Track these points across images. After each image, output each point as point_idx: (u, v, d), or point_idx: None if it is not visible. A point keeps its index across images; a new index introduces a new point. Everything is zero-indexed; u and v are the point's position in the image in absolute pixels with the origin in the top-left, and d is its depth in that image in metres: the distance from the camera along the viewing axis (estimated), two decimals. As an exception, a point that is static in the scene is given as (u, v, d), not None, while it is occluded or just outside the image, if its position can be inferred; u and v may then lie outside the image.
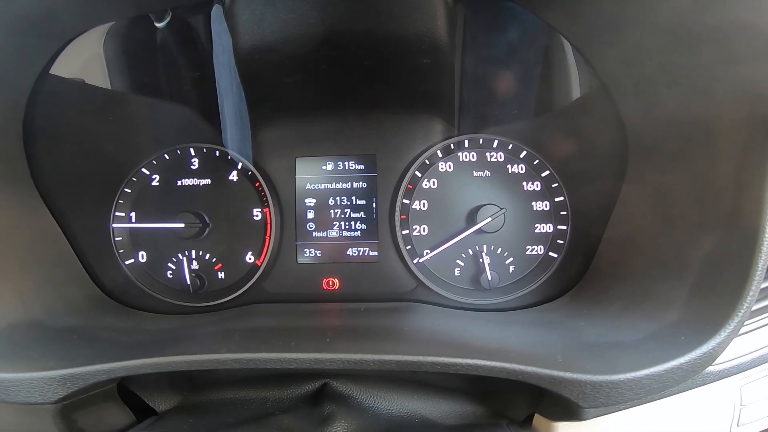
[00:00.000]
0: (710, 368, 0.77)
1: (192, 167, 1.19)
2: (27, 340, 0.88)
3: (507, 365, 0.70)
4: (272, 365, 0.77)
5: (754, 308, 0.81)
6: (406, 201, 1.15)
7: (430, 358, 0.72)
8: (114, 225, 1.17)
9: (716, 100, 0.76)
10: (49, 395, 0.76)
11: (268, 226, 1.16)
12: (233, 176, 1.18)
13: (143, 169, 1.18)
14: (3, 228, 0.96)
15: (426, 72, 1.01)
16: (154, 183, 1.19)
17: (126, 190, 1.18)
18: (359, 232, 1.17)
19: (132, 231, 1.19)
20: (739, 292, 0.67)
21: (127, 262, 1.17)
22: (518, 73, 1.11)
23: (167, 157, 1.19)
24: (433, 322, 1.03)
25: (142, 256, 1.18)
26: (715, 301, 0.70)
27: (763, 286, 0.80)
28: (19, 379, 0.76)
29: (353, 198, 1.17)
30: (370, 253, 1.17)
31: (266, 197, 1.16)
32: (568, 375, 0.66)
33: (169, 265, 1.17)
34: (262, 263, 1.15)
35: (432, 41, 0.92)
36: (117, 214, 1.18)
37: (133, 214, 1.18)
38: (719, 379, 0.80)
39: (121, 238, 1.18)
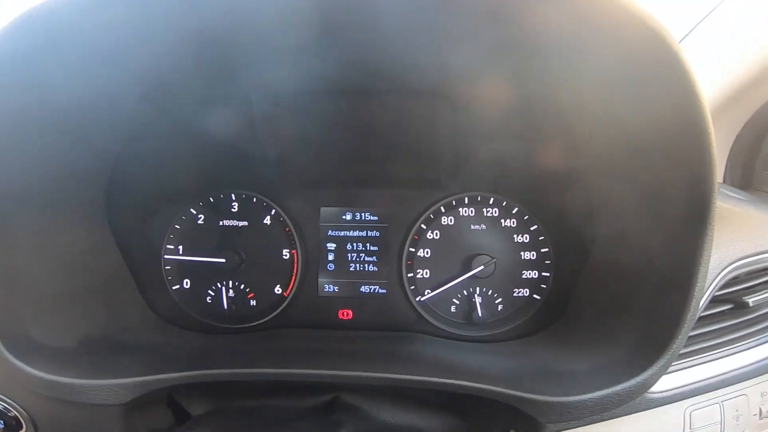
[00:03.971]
0: (656, 395, 0.90)
1: (233, 210, 1.33)
2: (100, 352, 1.01)
3: (485, 386, 0.87)
4: (296, 378, 0.92)
5: (701, 346, 0.94)
6: (412, 249, 1.27)
7: (424, 378, 0.89)
8: (165, 256, 1.32)
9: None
10: (122, 398, 0.90)
11: (295, 264, 1.30)
12: (267, 220, 1.32)
13: (192, 209, 1.33)
14: (78, 266, 1.06)
15: (432, 155, 1.20)
16: (200, 222, 1.34)
17: (176, 226, 1.33)
18: (371, 272, 1.30)
19: (179, 262, 1.33)
20: (668, 341, 0.78)
21: (173, 288, 1.32)
22: (511, 142, 1.20)
23: (212, 200, 1.34)
24: (430, 349, 1.15)
25: (187, 283, 1.33)
26: (650, 344, 0.81)
27: (693, 333, 0.95)
28: (98, 385, 0.88)
29: (367, 244, 1.30)
30: (380, 291, 1.29)
31: (294, 240, 1.30)
32: (528, 395, 0.82)
33: (209, 292, 1.31)
34: (288, 294, 1.29)
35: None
36: (168, 246, 1.32)
37: (180, 247, 1.33)
38: (665, 404, 0.91)
39: (169, 267, 1.32)
